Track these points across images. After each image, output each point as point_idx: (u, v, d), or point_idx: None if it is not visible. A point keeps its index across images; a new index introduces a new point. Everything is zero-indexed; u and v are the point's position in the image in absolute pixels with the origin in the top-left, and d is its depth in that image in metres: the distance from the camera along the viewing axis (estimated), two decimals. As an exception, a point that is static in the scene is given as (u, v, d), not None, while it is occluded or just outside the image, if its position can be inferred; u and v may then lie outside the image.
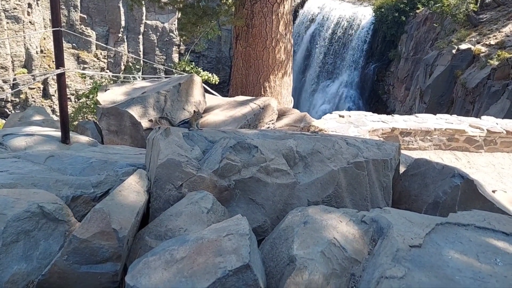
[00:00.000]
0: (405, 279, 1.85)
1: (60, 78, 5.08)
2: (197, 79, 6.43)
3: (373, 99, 29.53)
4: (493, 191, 3.82)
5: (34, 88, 28.87)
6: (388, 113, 9.68)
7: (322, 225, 2.41)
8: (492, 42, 18.69)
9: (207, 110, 6.60)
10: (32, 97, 28.73)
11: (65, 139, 5.08)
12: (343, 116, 8.77)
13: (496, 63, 16.81)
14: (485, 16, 21.82)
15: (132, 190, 2.74)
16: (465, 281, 1.85)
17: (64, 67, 5.02)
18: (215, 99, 7.31)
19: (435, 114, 9.67)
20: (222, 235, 2.17)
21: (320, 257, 2.17)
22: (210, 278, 1.93)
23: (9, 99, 28.09)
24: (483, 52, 18.30)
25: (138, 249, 2.52)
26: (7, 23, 26.84)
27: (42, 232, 2.45)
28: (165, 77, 7.27)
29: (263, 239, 2.73)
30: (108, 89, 6.53)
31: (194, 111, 3.70)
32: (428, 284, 1.81)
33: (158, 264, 2.07)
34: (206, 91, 7.29)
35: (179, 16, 10.59)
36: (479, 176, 7.45)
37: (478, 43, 19.32)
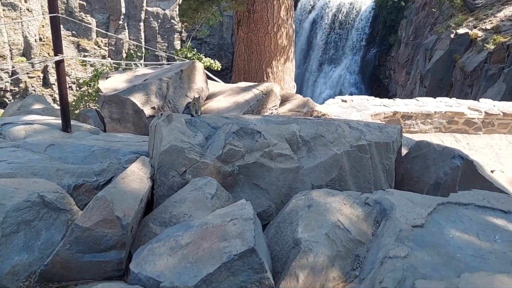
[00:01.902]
0: (408, 258, 1.87)
1: (59, 66, 5.02)
2: (199, 66, 6.36)
3: (375, 83, 29.46)
4: (492, 171, 3.87)
5: (33, 77, 28.67)
6: (389, 97, 9.69)
7: (326, 208, 2.41)
8: (488, 27, 18.82)
9: (210, 97, 6.55)
10: (32, 86, 28.56)
11: (66, 127, 5.04)
12: (345, 101, 8.76)
13: (492, 47, 17.05)
14: (480, 1, 21.71)
15: (135, 177, 2.72)
16: (466, 259, 1.88)
17: (62, 54, 4.95)
18: (217, 85, 7.25)
19: (435, 98, 9.74)
20: (227, 220, 2.17)
21: (324, 240, 2.18)
22: (216, 263, 1.94)
23: (8, 88, 27.91)
24: (479, 37, 18.46)
25: (142, 236, 2.52)
26: (4, 10, 26.51)
27: (43, 222, 2.40)
28: (167, 64, 7.19)
29: (268, 224, 2.74)
30: (110, 76, 6.47)
31: (194, 96, 3.64)
32: (431, 263, 1.84)
33: (163, 250, 2.08)
34: (208, 77, 7.23)
35: (180, 2, 10.45)
36: (478, 157, 7.50)
37: (475, 27, 19.38)
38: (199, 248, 2.04)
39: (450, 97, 10.14)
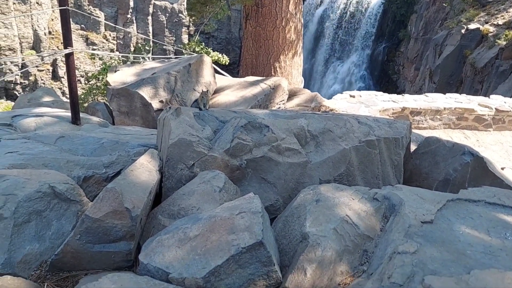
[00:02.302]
0: (417, 254, 1.86)
1: (69, 58, 5.05)
2: (207, 60, 6.36)
3: (384, 79, 29.22)
4: (502, 169, 3.83)
5: (43, 70, 28.90)
6: (398, 93, 9.62)
7: (334, 203, 2.41)
8: (500, 22, 18.55)
9: (217, 91, 6.55)
10: (42, 79, 28.81)
11: (75, 120, 5.08)
12: (353, 96, 8.72)
13: (504, 43, 16.84)
14: (492, -4, 21.40)
15: (144, 169, 2.74)
16: (476, 255, 1.87)
17: (72, 47, 4.98)
18: (225, 79, 7.24)
19: (444, 94, 9.64)
20: (235, 213, 2.18)
21: (332, 234, 2.18)
22: (224, 256, 1.95)
23: (18, 81, 28.19)
24: (491, 32, 18.21)
25: (151, 228, 2.54)
26: (14, 3, 26.69)
27: (54, 212, 2.44)
28: (175, 58, 7.20)
29: (275, 218, 2.75)
30: (118, 70, 6.49)
31: (202, 90, 3.63)
32: (440, 259, 1.83)
33: (172, 242, 2.10)
34: (216, 71, 7.22)
35: (188, -4, 10.44)
36: (487, 154, 7.43)
37: (487, 23, 19.10)
38: (207, 241, 2.05)
39: (460, 93, 10.07)
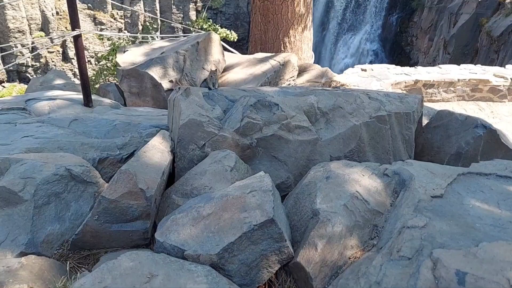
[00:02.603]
0: (427, 228, 1.89)
1: (77, 40, 5.02)
2: (215, 37, 6.28)
3: (396, 51, 28.42)
4: (516, 141, 3.76)
5: (53, 52, 28.96)
6: (411, 65, 9.39)
7: (345, 179, 2.44)
8: (518, -12, 17.56)
9: (226, 69, 6.50)
10: (52, 61, 28.92)
11: (87, 102, 5.11)
12: (365, 70, 8.56)
13: None
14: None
15: (156, 150, 2.79)
16: (485, 228, 1.88)
17: (79, 28, 4.93)
18: (234, 57, 7.16)
19: (459, 65, 9.40)
20: (246, 191, 2.23)
21: (343, 210, 2.21)
22: (237, 233, 2.01)
23: (30, 64, 28.37)
24: (508, -1, 17.31)
25: (166, 208, 2.62)
26: (20, -16, 26.46)
27: (72, 194, 2.52)
28: (183, 36, 7.13)
29: (286, 195, 2.79)
30: (127, 50, 6.48)
31: (211, 69, 3.61)
32: (449, 232, 1.85)
33: (186, 221, 2.16)
34: (225, 49, 7.13)
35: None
36: (502, 125, 7.28)
37: (504, -11, 18.14)
38: (220, 219, 2.11)
39: (475, 64, 9.80)
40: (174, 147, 2.98)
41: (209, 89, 3.45)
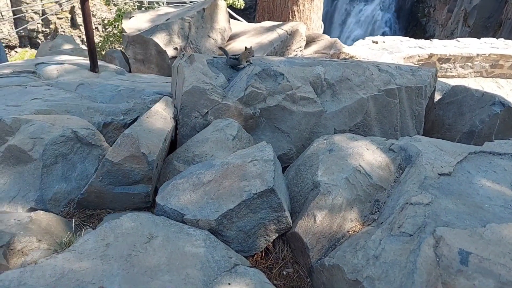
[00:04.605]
0: (431, 205, 1.84)
1: (84, 5, 4.97)
2: (222, 3, 6.11)
3: (411, 23, 27.32)
4: (537, 120, 3.60)
5: (62, 18, 28.75)
6: (426, 39, 9.01)
7: (348, 153, 2.39)
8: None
9: (232, 37, 6.35)
10: (62, 27, 28.74)
11: (93, 67, 5.13)
12: (376, 42, 8.27)
13: None
14: None
15: (159, 116, 2.77)
16: (494, 209, 1.82)
17: (86, -8, 4.88)
18: (240, 25, 6.99)
19: (479, 39, 8.92)
20: (247, 160, 2.21)
21: (344, 183, 2.19)
22: (236, 200, 2.01)
23: (40, 30, 28.32)
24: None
25: (167, 173, 2.63)
26: None
27: (78, 156, 2.60)
28: (190, 2, 6.95)
29: (288, 167, 2.77)
30: (133, 16, 6.37)
31: (245, 47, 3.21)
32: (455, 211, 1.79)
33: (186, 186, 2.17)
34: (231, 16, 6.95)
35: None
36: (521, 105, 7.02)
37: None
38: (220, 186, 2.10)
39: (498, 38, 9.23)
40: (177, 114, 2.95)
41: (238, 68, 3.17)
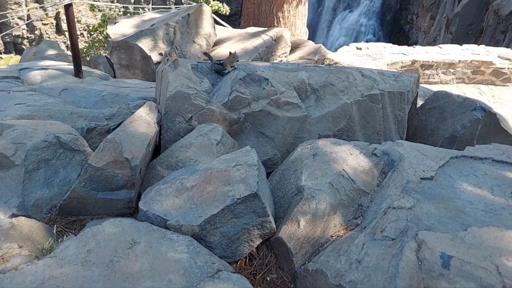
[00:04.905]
0: (413, 209, 1.86)
1: (68, 10, 4.94)
2: (207, 9, 6.14)
3: (395, 30, 27.78)
4: (517, 126, 3.67)
5: (47, 24, 28.46)
6: (409, 45, 9.15)
7: (332, 158, 2.41)
8: (531, -38, 16.79)
9: (217, 43, 6.37)
10: (47, 33, 28.43)
11: (77, 73, 5.09)
12: (360, 49, 8.36)
13: None
14: None
15: (143, 121, 2.76)
16: (476, 213, 1.84)
17: (71, -3, 4.85)
18: (225, 31, 7.01)
19: (461, 45, 9.09)
20: (231, 165, 2.20)
21: (328, 188, 2.20)
22: (219, 205, 2.00)
23: (25, 36, 27.99)
24: (520, -26, 16.56)
25: (151, 178, 2.60)
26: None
27: (61, 161, 2.57)
28: (175, 7, 6.95)
29: (273, 172, 2.77)
30: (118, 21, 6.34)
31: (230, 52, 3.22)
32: (437, 215, 1.81)
33: (170, 191, 2.15)
34: (216, 22, 6.97)
35: None
36: (503, 110, 7.13)
37: (516, -38, 17.38)
38: (203, 191, 2.09)
39: (479, 45, 9.37)
40: (161, 119, 2.94)
41: (223, 72, 3.17)
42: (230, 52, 3.22)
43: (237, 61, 3.21)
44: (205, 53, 3.82)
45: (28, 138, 2.51)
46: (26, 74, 4.74)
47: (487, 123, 3.32)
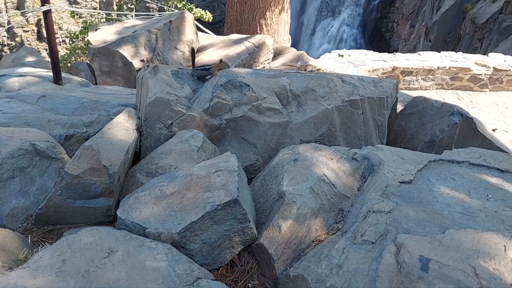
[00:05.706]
0: (393, 213, 1.87)
1: (47, 16, 4.85)
2: (189, 16, 6.13)
3: (376, 37, 28.35)
4: (493, 130, 3.76)
5: (28, 31, 27.99)
6: (390, 52, 9.34)
7: (313, 162, 2.42)
8: (507, -27, 17.38)
9: (200, 50, 6.37)
10: (28, 40, 27.93)
11: (57, 79, 4.99)
12: (342, 55, 8.47)
13: None
14: None
15: (121, 128, 2.71)
16: (453, 216, 1.87)
17: (49, 3, 4.79)
18: (208, 37, 7.02)
19: (439, 52, 9.33)
20: (211, 171, 2.19)
21: (309, 193, 2.20)
22: (199, 212, 1.98)
23: (6, 43, 27.44)
24: (496, -16, 17.10)
25: (130, 186, 2.56)
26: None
27: (37, 169, 2.51)
28: (159, 15, 6.93)
29: (255, 177, 2.76)
30: (99, 28, 6.28)
31: (220, 60, 3.19)
32: (415, 218, 1.83)
33: (149, 199, 2.11)
34: (199, 29, 6.98)
35: None
36: (481, 115, 7.33)
37: (491, -27, 18.00)
38: (183, 198, 2.07)
39: (457, 52, 9.63)
40: (141, 125, 2.90)
41: (204, 78, 3.14)
42: (220, 60, 3.21)
43: (229, 68, 3.21)
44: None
45: (3, 146, 2.43)
46: (4, 81, 4.64)
47: (464, 128, 3.39)
